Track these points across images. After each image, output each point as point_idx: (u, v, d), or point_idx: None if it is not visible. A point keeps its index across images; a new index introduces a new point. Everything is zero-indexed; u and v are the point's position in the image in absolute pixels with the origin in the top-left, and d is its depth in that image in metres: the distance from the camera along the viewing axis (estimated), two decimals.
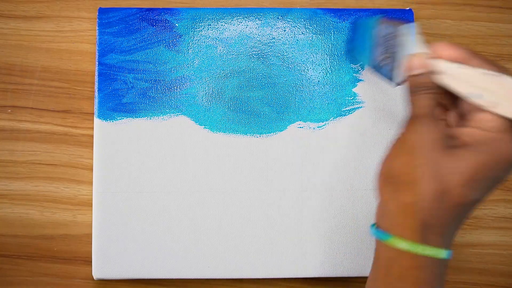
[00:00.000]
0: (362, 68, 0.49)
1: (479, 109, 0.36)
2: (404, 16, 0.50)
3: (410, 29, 0.40)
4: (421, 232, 0.34)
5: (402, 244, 0.34)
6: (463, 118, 0.37)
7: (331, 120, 0.49)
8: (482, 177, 0.34)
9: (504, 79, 0.35)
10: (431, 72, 0.37)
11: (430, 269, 0.34)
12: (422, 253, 0.34)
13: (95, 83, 0.49)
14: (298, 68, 0.49)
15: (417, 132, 0.35)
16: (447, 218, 0.34)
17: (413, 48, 0.39)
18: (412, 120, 0.36)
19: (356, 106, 0.49)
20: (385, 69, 0.43)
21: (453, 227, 0.35)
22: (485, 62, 0.36)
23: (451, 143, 0.35)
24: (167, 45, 0.49)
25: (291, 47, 0.50)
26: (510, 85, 0.35)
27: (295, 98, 0.49)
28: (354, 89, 0.49)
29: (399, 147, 0.37)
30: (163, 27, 0.49)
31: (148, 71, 0.49)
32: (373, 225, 0.38)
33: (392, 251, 0.35)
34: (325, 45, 0.50)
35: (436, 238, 0.34)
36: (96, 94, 0.48)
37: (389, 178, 0.36)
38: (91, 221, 0.48)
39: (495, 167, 0.34)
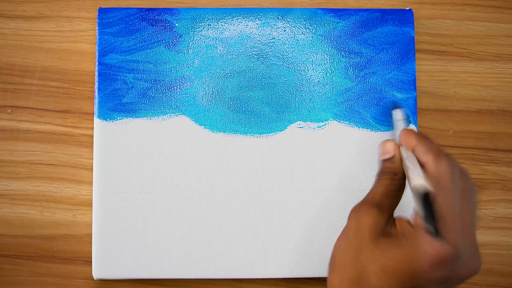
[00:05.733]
0: None
1: None
2: (404, 16, 0.50)
3: (397, 114, 0.43)
4: None
5: None
6: None
7: (331, 120, 0.49)
8: (396, 269, 0.34)
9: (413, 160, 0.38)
10: (392, 158, 0.40)
11: None
12: None
13: (95, 83, 0.49)
14: (298, 68, 0.49)
15: (357, 217, 0.37)
16: None
17: (396, 134, 0.42)
18: (359, 205, 0.38)
19: None
20: None
21: None
22: (424, 145, 0.38)
23: (388, 232, 0.36)
24: (167, 45, 0.49)
25: (291, 47, 0.50)
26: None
27: (295, 98, 0.49)
28: None
29: (344, 229, 0.38)
30: (163, 27, 0.49)
31: (148, 71, 0.49)
32: None
33: None
34: (325, 45, 0.50)
35: None
36: (96, 94, 0.48)
37: (331, 259, 0.38)
38: (91, 221, 0.48)
39: (408, 262, 0.34)
